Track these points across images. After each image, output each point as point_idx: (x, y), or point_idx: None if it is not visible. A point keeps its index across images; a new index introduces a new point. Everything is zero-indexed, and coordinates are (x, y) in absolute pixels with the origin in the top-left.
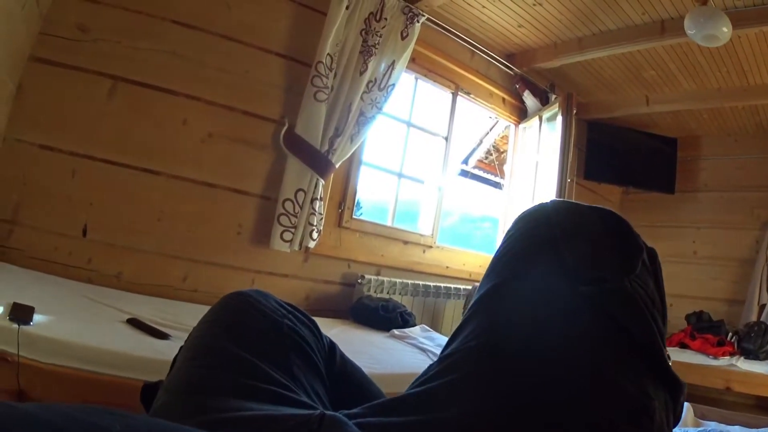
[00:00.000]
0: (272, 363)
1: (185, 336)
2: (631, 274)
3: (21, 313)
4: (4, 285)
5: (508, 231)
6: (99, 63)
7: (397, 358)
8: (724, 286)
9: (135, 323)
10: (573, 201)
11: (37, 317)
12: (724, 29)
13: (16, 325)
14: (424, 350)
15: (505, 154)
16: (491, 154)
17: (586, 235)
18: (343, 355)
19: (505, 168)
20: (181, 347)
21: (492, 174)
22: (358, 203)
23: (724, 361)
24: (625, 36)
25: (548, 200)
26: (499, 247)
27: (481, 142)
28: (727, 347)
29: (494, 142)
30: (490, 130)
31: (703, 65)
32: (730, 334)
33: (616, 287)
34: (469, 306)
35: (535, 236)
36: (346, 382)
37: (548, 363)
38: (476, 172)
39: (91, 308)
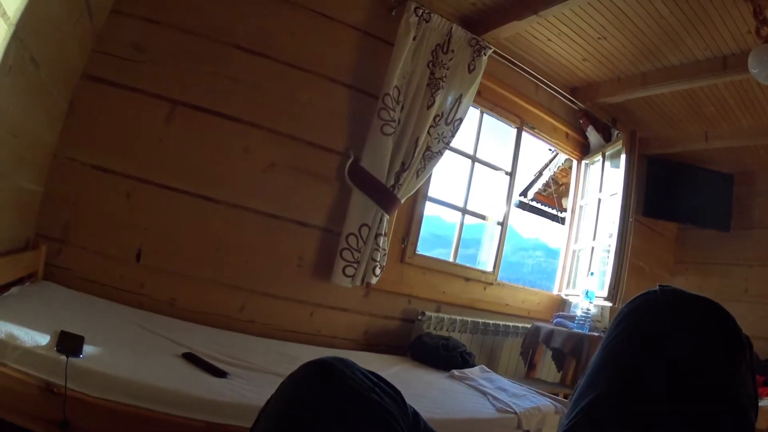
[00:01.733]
0: None
1: (243, 373)
2: (736, 376)
3: (70, 344)
4: (52, 308)
5: (617, 321)
6: (156, 85)
7: (459, 402)
8: None
9: (191, 358)
10: (679, 290)
11: (86, 348)
12: None
13: (64, 357)
14: (484, 393)
15: (563, 186)
16: (550, 187)
17: (693, 334)
18: (426, 425)
19: (566, 203)
20: (260, 416)
21: (550, 206)
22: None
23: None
24: (688, 72)
25: (655, 289)
26: (606, 343)
27: (540, 174)
28: None
29: (553, 175)
30: (550, 162)
31: (761, 101)
32: None
33: (721, 391)
34: (572, 412)
35: (643, 337)
36: None
37: None
38: (534, 204)
39: (144, 338)
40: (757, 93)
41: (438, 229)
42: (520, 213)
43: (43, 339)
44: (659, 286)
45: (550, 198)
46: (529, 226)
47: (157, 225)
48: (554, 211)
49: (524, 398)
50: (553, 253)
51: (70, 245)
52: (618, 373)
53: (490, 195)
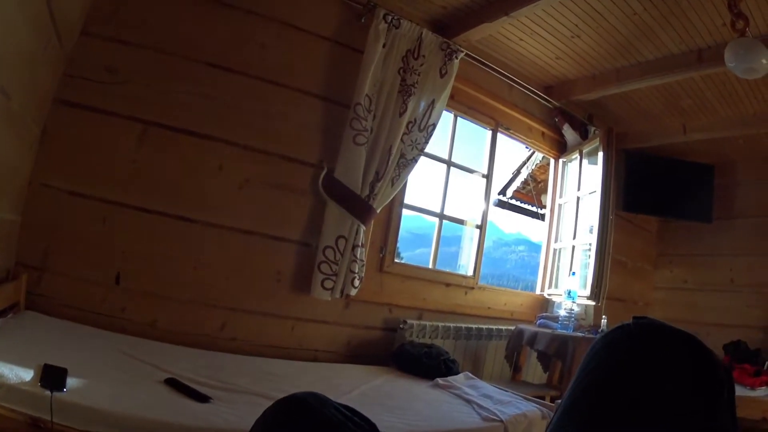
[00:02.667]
0: None
1: (226, 396)
2: (715, 419)
3: (53, 378)
4: (35, 340)
5: (590, 356)
6: (128, 106)
7: (443, 413)
8: (761, 314)
9: (173, 384)
10: (653, 324)
11: (70, 381)
12: (764, 61)
13: (48, 392)
14: (469, 402)
15: (542, 183)
16: (528, 184)
17: (668, 374)
18: None
19: (545, 200)
20: None
21: (529, 204)
22: (400, 255)
23: (761, 392)
24: (663, 66)
25: (629, 322)
26: (580, 378)
27: (518, 172)
28: (764, 377)
29: (531, 172)
30: (527, 160)
31: (738, 92)
32: (767, 363)
33: None
34: None
35: (615, 376)
36: None
37: None
38: (513, 202)
39: (126, 366)
40: (734, 84)
41: (419, 228)
42: (501, 211)
43: (27, 374)
44: (633, 318)
45: (530, 195)
46: (511, 222)
47: (135, 248)
48: (534, 208)
49: (510, 405)
50: (535, 247)
51: (51, 273)
52: (589, 412)
53: (467, 198)
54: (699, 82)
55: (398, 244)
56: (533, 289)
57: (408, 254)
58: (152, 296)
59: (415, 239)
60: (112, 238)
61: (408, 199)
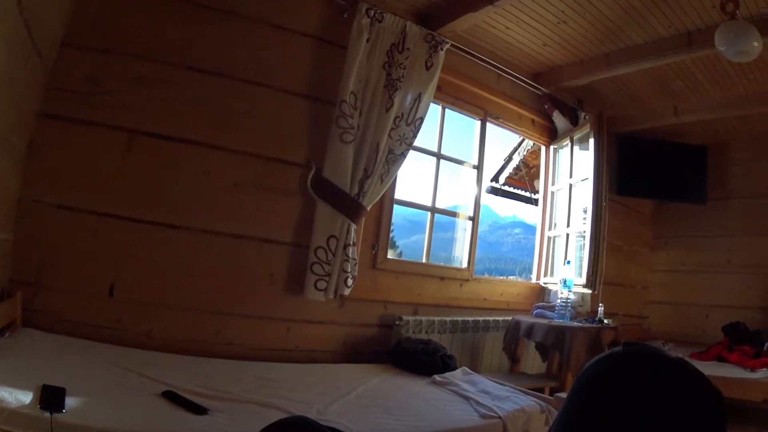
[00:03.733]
0: None
1: (224, 406)
2: None
3: (52, 398)
4: (32, 359)
5: (578, 385)
6: (113, 116)
7: (442, 411)
8: (760, 294)
9: (171, 397)
10: (644, 352)
11: (68, 400)
12: (755, 44)
13: (48, 413)
14: (467, 398)
15: (534, 169)
16: (521, 170)
17: (659, 405)
18: None
19: (538, 184)
20: None
21: (522, 189)
22: (396, 246)
23: (761, 374)
24: (652, 50)
25: (619, 349)
26: (567, 408)
27: (510, 158)
28: (764, 358)
29: (523, 158)
30: (518, 146)
31: (729, 73)
32: (767, 344)
33: None
34: None
35: (605, 408)
36: None
37: None
38: (507, 188)
39: (124, 380)
40: (725, 66)
41: (415, 215)
42: (496, 200)
43: (26, 396)
44: (624, 344)
45: (522, 181)
46: (506, 205)
47: (127, 258)
48: (527, 194)
49: (508, 400)
50: (531, 229)
51: (46, 288)
52: None
53: (459, 189)
54: (689, 64)
55: (394, 233)
56: (530, 270)
57: (404, 241)
58: (146, 306)
59: (412, 226)
60: (103, 249)
61: (399, 192)
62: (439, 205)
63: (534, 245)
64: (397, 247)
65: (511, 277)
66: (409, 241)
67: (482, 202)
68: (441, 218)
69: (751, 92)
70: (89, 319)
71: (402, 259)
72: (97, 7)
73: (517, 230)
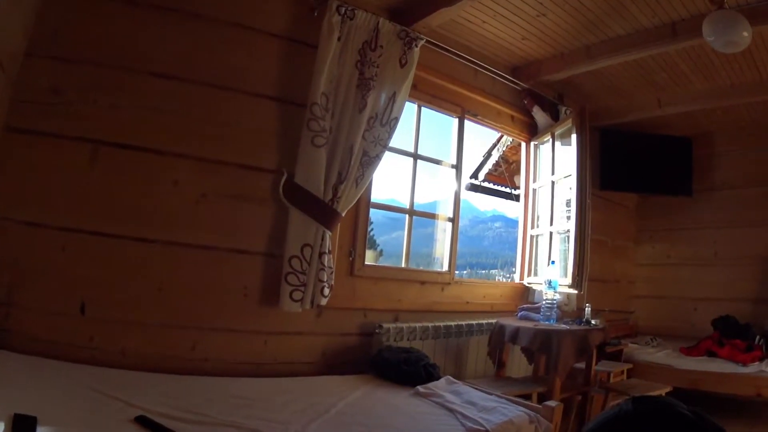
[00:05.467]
0: None
1: (198, 431)
2: None
3: (23, 428)
4: (4, 382)
5: None
6: (76, 127)
7: (425, 426)
8: (748, 286)
9: (144, 422)
10: (656, 406)
11: (40, 430)
12: (745, 34)
13: None
14: (452, 411)
15: (514, 164)
16: (500, 166)
17: None
18: None
19: (519, 180)
20: None
21: (502, 185)
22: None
23: (753, 368)
24: (635, 41)
25: (628, 406)
26: None
27: (489, 155)
28: (756, 352)
29: (503, 154)
30: (498, 141)
31: (714, 63)
32: (758, 337)
33: None
34: None
35: None
36: None
37: None
38: (486, 185)
39: (97, 405)
40: (710, 56)
41: (395, 212)
42: (476, 197)
43: None
44: (633, 402)
45: (502, 177)
46: (486, 199)
47: (97, 274)
48: (508, 190)
49: (495, 411)
50: (512, 223)
51: (17, 308)
52: None
53: (438, 184)
54: (673, 55)
55: (374, 230)
56: (512, 263)
57: (384, 238)
58: (119, 323)
59: (392, 223)
60: (73, 266)
61: (377, 190)
62: (418, 200)
63: (515, 239)
64: (378, 245)
65: (493, 271)
66: (389, 238)
67: (462, 198)
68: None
69: (736, 82)
70: (62, 338)
71: (380, 264)
72: (59, 15)
73: (497, 224)
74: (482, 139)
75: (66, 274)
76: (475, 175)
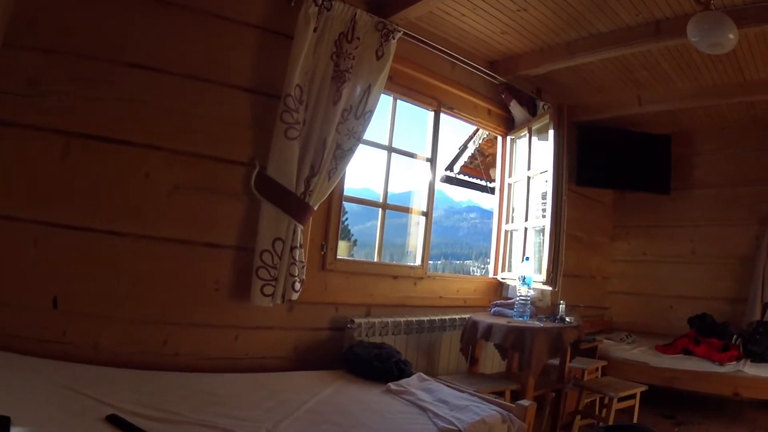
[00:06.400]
0: None
1: (169, 430)
2: None
3: None
4: None
5: None
6: (51, 119)
7: (397, 425)
8: (726, 285)
9: (115, 421)
10: (634, 429)
11: (13, 430)
12: (731, 36)
13: None
14: (424, 409)
15: (490, 157)
16: (476, 159)
17: None
18: None
19: (494, 173)
20: None
21: (478, 178)
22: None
23: (730, 368)
24: (618, 38)
25: None
26: None
27: (465, 147)
28: (732, 351)
29: (479, 147)
30: (474, 134)
31: (698, 63)
32: (735, 336)
33: None
34: None
35: None
36: None
37: None
38: (462, 177)
39: (71, 403)
40: (693, 56)
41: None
42: (451, 189)
43: None
44: (606, 429)
45: (478, 170)
46: (461, 190)
47: (69, 268)
48: (483, 182)
49: (467, 410)
50: (487, 214)
51: None
52: None
53: (413, 174)
54: (655, 54)
55: (348, 220)
56: (487, 254)
57: (359, 227)
58: (91, 317)
59: (367, 212)
60: (45, 260)
61: (351, 181)
62: (393, 189)
63: (491, 230)
64: (352, 235)
65: (468, 262)
66: (364, 227)
67: (438, 188)
68: (396, 201)
69: (719, 83)
70: (35, 334)
71: (354, 257)
72: (36, 4)
73: (472, 215)
74: (459, 131)
75: (38, 268)
76: (450, 167)
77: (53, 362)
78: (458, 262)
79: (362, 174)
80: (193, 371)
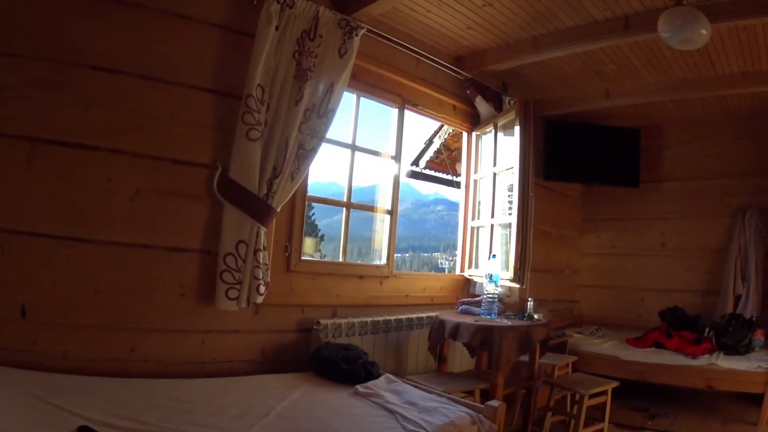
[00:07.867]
0: None
1: None
2: None
3: None
4: None
5: None
6: (14, 125)
7: (364, 430)
8: (697, 278)
9: None
10: None
11: None
12: (703, 31)
13: None
14: (392, 412)
15: (456, 152)
16: (442, 153)
17: None
18: None
19: (460, 168)
20: None
21: (444, 172)
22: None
23: (703, 361)
24: (585, 33)
25: None
26: None
27: (431, 142)
28: (705, 344)
29: (444, 141)
30: (439, 129)
31: (668, 57)
32: (707, 329)
33: None
34: None
35: None
36: None
37: None
38: (428, 172)
39: (39, 414)
40: (662, 50)
41: (336, 194)
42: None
43: None
44: None
45: (444, 164)
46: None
47: (36, 276)
48: (449, 177)
49: (436, 412)
50: (454, 206)
51: None
52: None
53: (378, 173)
54: (624, 48)
55: (315, 214)
56: (454, 247)
57: (326, 221)
58: (59, 326)
59: (333, 208)
60: (12, 268)
61: (317, 175)
62: (359, 183)
63: (457, 222)
64: (319, 230)
65: (436, 254)
66: (332, 221)
67: (405, 181)
68: (361, 194)
69: (689, 76)
70: (4, 343)
71: (320, 257)
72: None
73: (440, 207)
74: (424, 125)
75: (5, 277)
76: (416, 162)
77: (24, 372)
78: (426, 254)
79: (328, 168)
80: (162, 377)
